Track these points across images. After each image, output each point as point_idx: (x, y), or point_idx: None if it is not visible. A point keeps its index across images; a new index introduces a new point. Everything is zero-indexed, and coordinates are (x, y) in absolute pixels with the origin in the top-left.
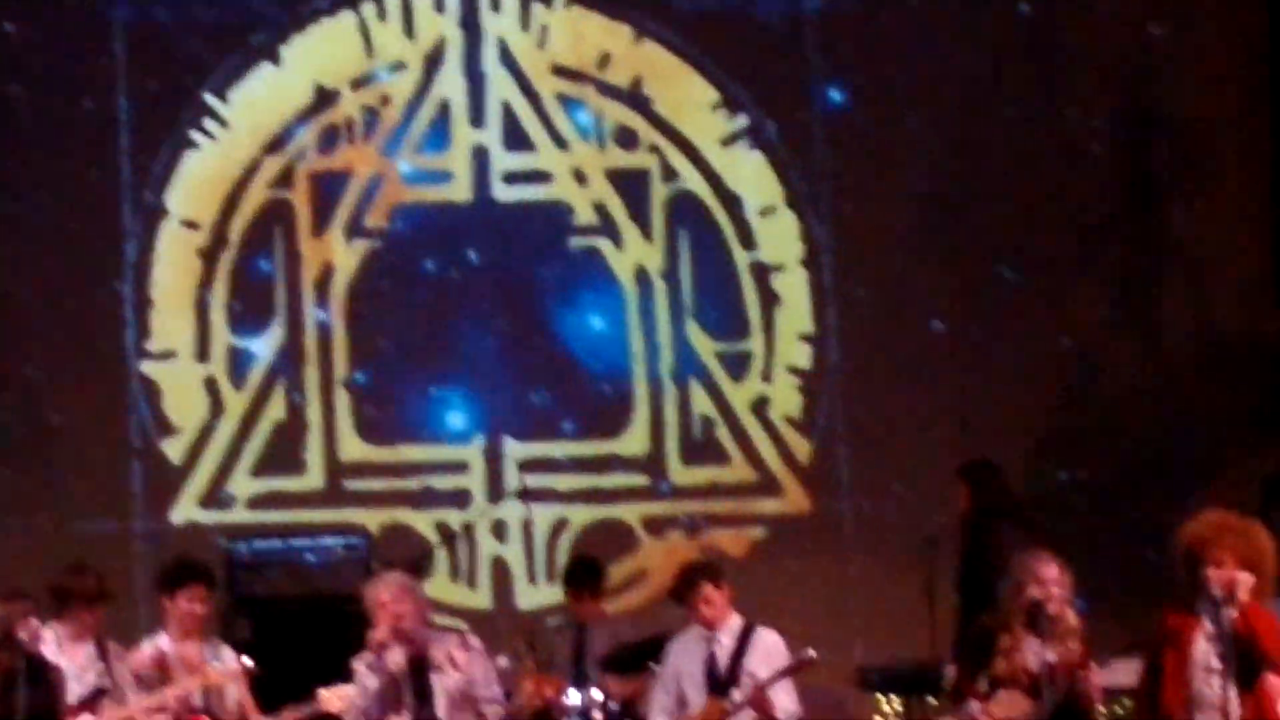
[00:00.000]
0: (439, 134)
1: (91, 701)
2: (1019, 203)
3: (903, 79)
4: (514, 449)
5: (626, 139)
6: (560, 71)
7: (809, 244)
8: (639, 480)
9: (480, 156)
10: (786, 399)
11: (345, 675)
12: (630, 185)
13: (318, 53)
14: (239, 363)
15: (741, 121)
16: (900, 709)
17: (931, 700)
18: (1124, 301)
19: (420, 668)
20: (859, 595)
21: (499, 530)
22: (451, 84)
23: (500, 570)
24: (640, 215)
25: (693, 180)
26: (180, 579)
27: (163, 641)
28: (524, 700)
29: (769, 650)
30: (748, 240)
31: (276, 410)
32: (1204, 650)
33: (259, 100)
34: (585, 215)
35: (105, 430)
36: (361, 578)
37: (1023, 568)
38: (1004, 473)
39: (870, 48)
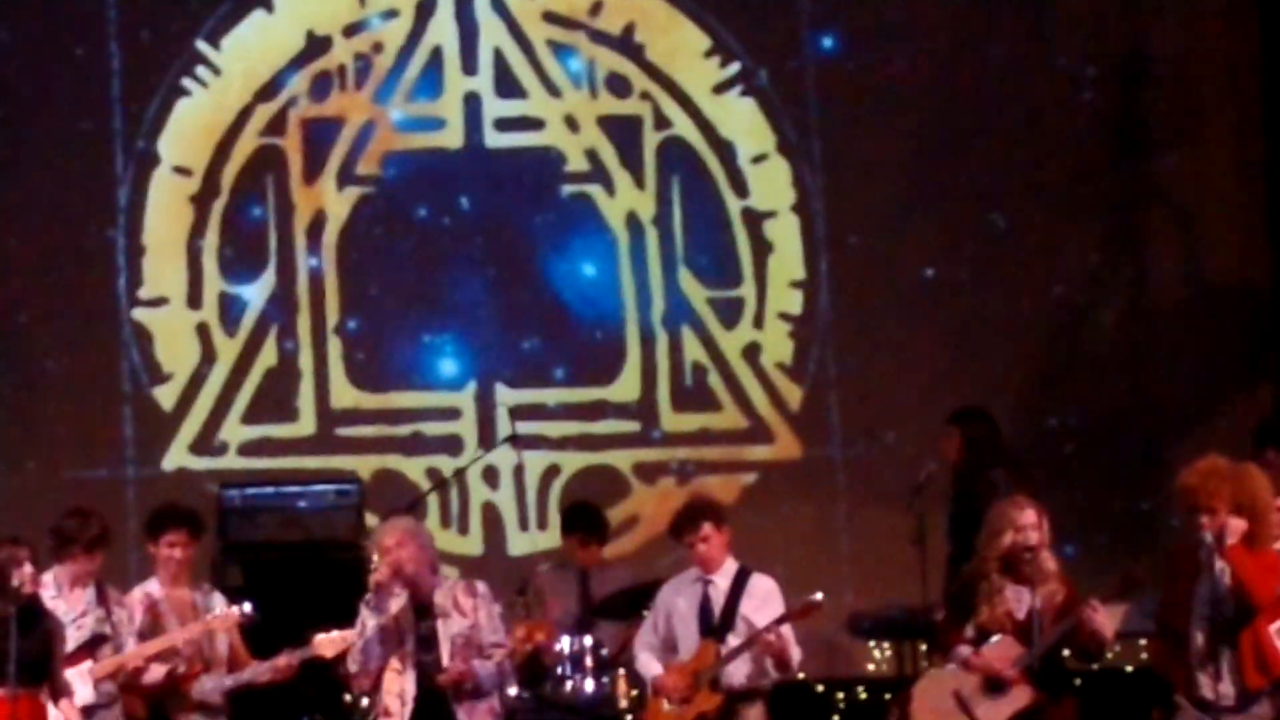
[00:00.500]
0: (431, 81)
1: (91, 647)
2: (1010, 150)
3: (895, 26)
4: (505, 395)
5: (618, 86)
6: (552, 18)
7: (800, 191)
8: (630, 426)
9: (472, 103)
10: (778, 345)
11: (337, 620)
12: (622, 132)
13: None
14: (231, 309)
15: (733, 68)
16: (891, 655)
17: (922, 646)
18: (1115, 248)
19: (424, 613)
20: (850, 541)
21: (490, 476)
22: (443, 31)
23: (491, 516)
24: (632, 162)
25: (684, 127)
26: (161, 524)
27: (153, 587)
28: (515, 646)
29: (765, 595)
30: (739, 187)
31: (268, 357)
32: (1201, 595)
33: (251, 47)
34: (577, 162)
35: (96, 377)
36: (353, 524)
37: (1000, 515)
38: (995, 419)
39: None
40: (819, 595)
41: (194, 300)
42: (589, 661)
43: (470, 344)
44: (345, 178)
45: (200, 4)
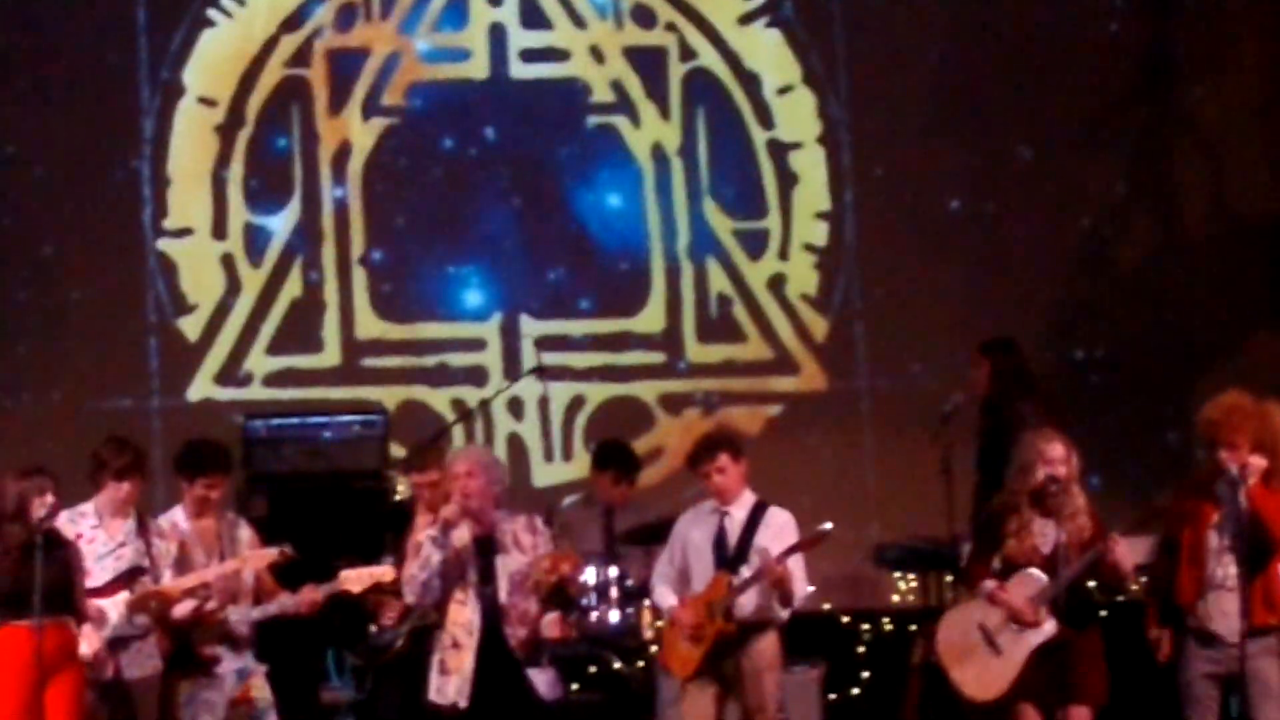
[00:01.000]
0: (456, 12)
1: (128, 579)
2: (1036, 81)
3: None
4: (530, 326)
5: (644, 17)
6: None
7: (826, 122)
8: (655, 358)
9: (498, 34)
10: (803, 277)
11: (362, 550)
12: (648, 63)
13: None
14: (256, 240)
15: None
16: (916, 587)
17: (948, 578)
18: (1141, 179)
19: (486, 547)
20: (875, 473)
21: (515, 408)
22: None
23: (517, 447)
24: (658, 93)
25: (710, 59)
26: (200, 466)
27: (178, 517)
28: (540, 576)
29: (780, 528)
30: (765, 119)
31: (293, 288)
32: (1217, 532)
33: None
34: (602, 93)
35: (122, 308)
36: (377, 455)
37: (1029, 448)
38: (1023, 350)
39: None
40: (828, 525)
41: (219, 231)
42: (614, 592)
43: (495, 275)
44: (370, 109)
45: None
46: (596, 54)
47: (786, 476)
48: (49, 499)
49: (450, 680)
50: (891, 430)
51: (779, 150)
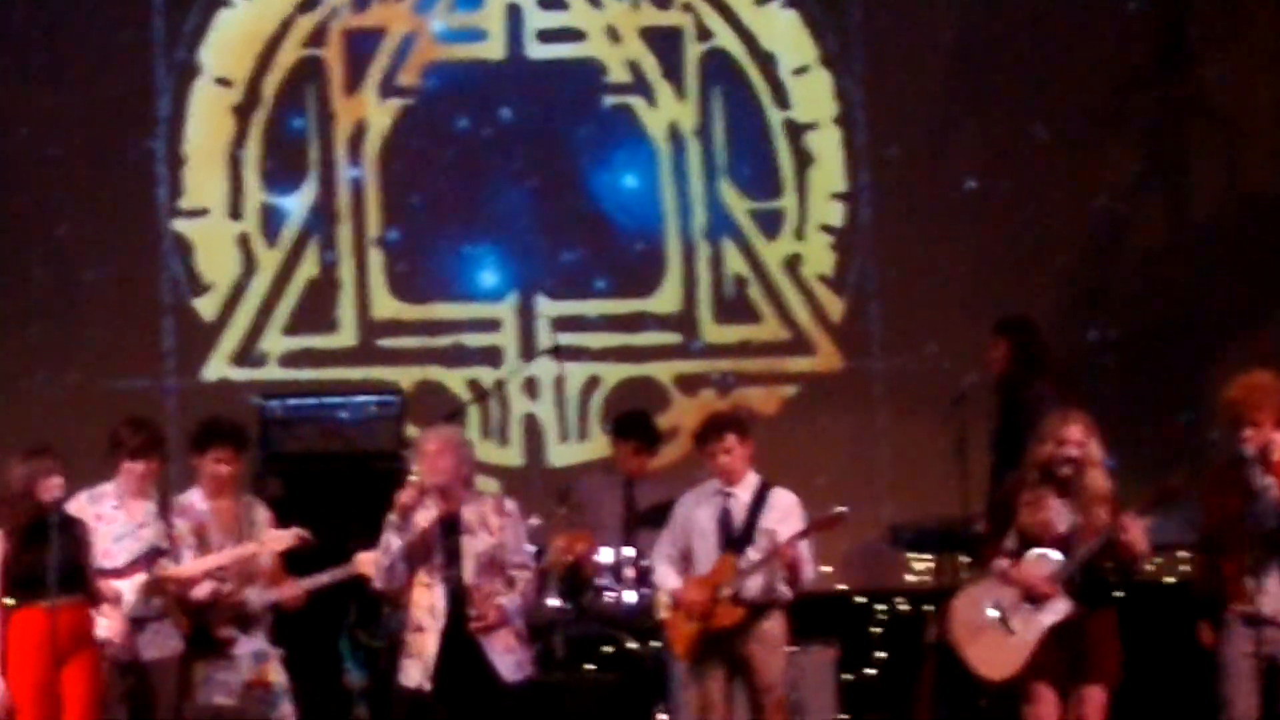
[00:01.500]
0: None
1: (147, 560)
2: (1052, 61)
3: None
4: (546, 307)
5: None
6: None
7: (842, 102)
8: (671, 338)
9: (514, 14)
10: (819, 257)
11: (377, 532)
12: (664, 43)
13: None
14: (272, 220)
15: None
16: (931, 567)
17: (962, 558)
18: (1156, 160)
19: (452, 528)
20: (890, 453)
21: (531, 388)
22: None
23: (532, 428)
24: (674, 73)
25: (726, 38)
26: (209, 439)
27: (196, 498)
28: (555, 556)
29: (786, 510)
30: (781, 99)
31: (309, 268)
32: (1252, 513)
33: None
34: (618, 73)
35: (137, 287)
36: (394, 435)
37: (1050, 427)
38: (1041, 330)
39: None
40: (844, 508)
41: (235, 211)
42: (629, 572)
43: (511, 255)
44: (386, 89)
45: None
46: (613, 34)
47: (802, 457)
48: (55, 480)
49: (415, 663)
50: (906, 410)
51: (795, 130)
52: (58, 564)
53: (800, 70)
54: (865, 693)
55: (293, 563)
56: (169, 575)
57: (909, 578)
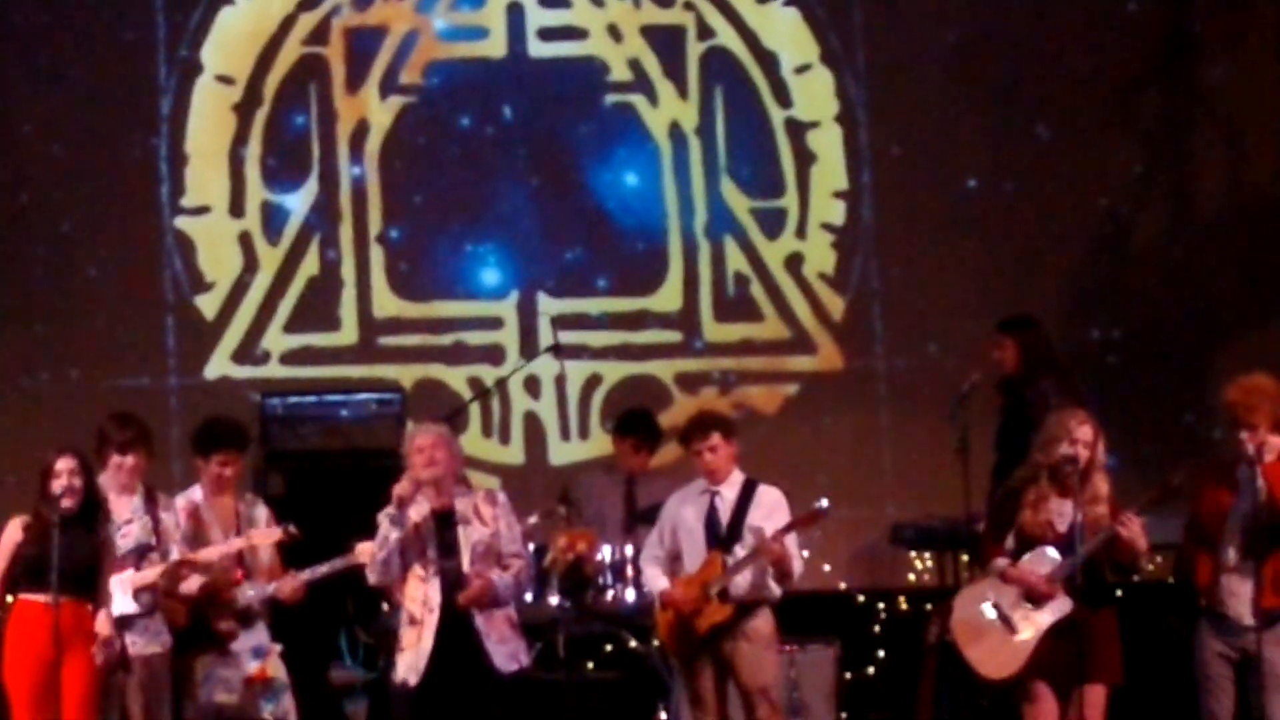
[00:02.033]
0: None
1: (136, 556)
2: (1055, 59)
3: None
4: (547, 305)
5: None
6: None
7: (844, 101)
8: (672, 337)
9: (515, 13)
10: (820, 256)
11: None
12: (666, 42)
13: None
14: (273, 218)
15: None
16: (932, 566)
17: (964, 557)
18: (1160, 159)
19: (447, 520)
20: (892, 452)
21: (532, 386)
22: None
23: (533, 426)
24: (675, 72)
25: (728, 37)
26: (214, 443)
27: (197, 495)
28: (557, 554)
29: (772, 507)
30: (783, 97)
31: (310, 266)
32: (1235, 514)
33: None
34: (620, 72)
35: (139, 285)
36: (395, 433)
37: (1059, 424)
38: (1045, 330)
39: None
40: (824, 502)
41: (236, 209)
42: (630, 570)
43: (513, 253)
44: (388, 87)
45: None
46: (614, 33)
47: (803, 456)
48: (64, 480)
49: (404, 657)
50: (908, 409)
51: (797, 129)
52: (70, 562)
53: (802, 69)
54: (866, 692)
55: (293, 559)
56: (186, 561)
57: (910, 577)
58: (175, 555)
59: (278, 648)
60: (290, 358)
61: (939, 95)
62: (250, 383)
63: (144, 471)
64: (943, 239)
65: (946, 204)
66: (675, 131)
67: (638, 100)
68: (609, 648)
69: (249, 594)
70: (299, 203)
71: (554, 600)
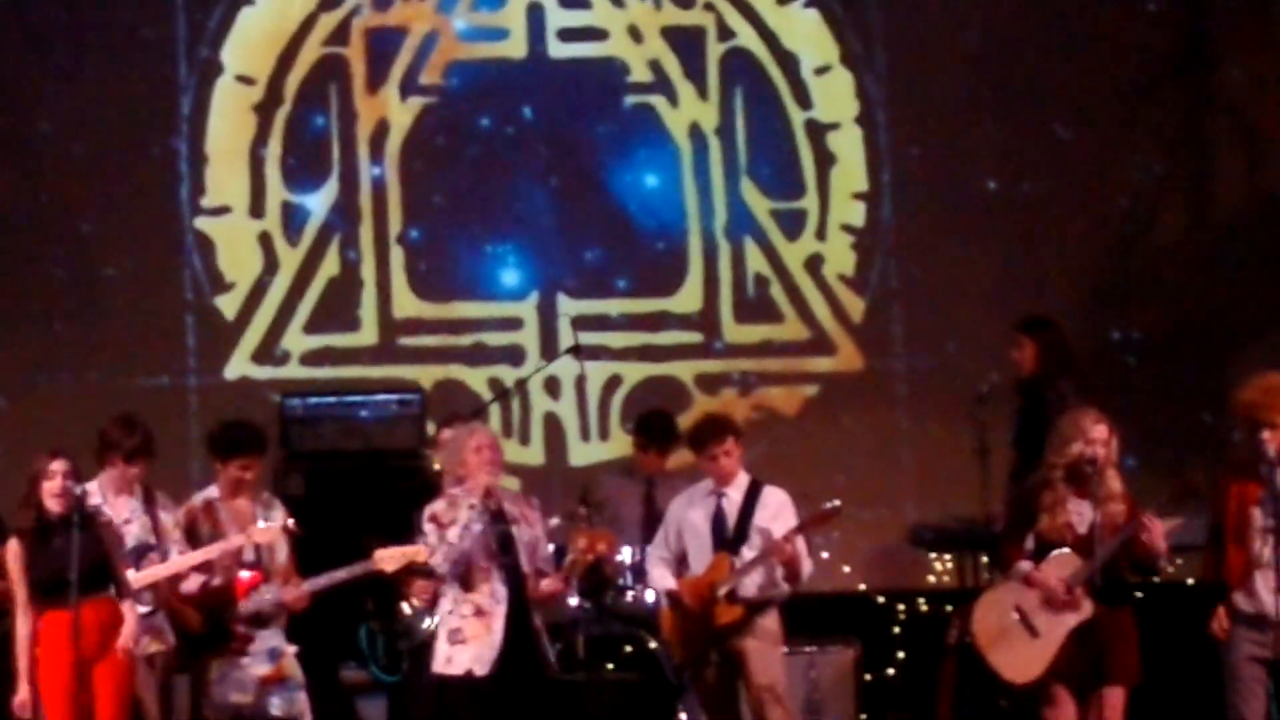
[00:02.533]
0: None
1: (136, 557)
2: (1074, 60)
3: None
4: (567, 305)
5: None
6: None
7: (864, 102)
8: (692, 337)
9: (536, 13)
10: (840, 257)
11: (398, 529)
12: (686, 43)
13: None
14: (293, 218)
15: None
16: (952, 567)
17: (984, 558)
18: (1178, 160)
19: (498, 518)
20: (911, 453)
21: (552, 387)
22: None
23: (553, 427)
24: (695, 73)
25: (748, 38)
26: (235, 448)
27: (213, 494)
28: (577, 555)
29: (779, 507)
30: (803, 98)
31: (331, 266)
32: (1261, 511)
33: None
34: (640, 72)
35: (159, 285)
36: (414, 434)
37: (1072, 424)
38: (1063, 330)
39: None
40: (836, 501)
41: (256, 209)
42: None
43: (533, 254)
44: (408, 87)
45: None
46: (635, 33)
47: (822, 457)
48: (58, 481)
49: (466, 648)
50: (928, 410)
51: (817, 130)
52: (77, 564)
53: (822, 70)
54: (886, 693)
55: (311, 558)
56: (157, 573)
57: (930, 578)
58: (174, 555)
59: (293, 649)
60: (310, 358)
61: (959, 96)
62: (270, 383)
63: (145, 475)
64: (962, 240)
65: (966, 205)
66: (695, 132)
67: (658, 101)
68: (628, 648)
69: (264, 597)
70: (319, 203)
71: (573, 601)
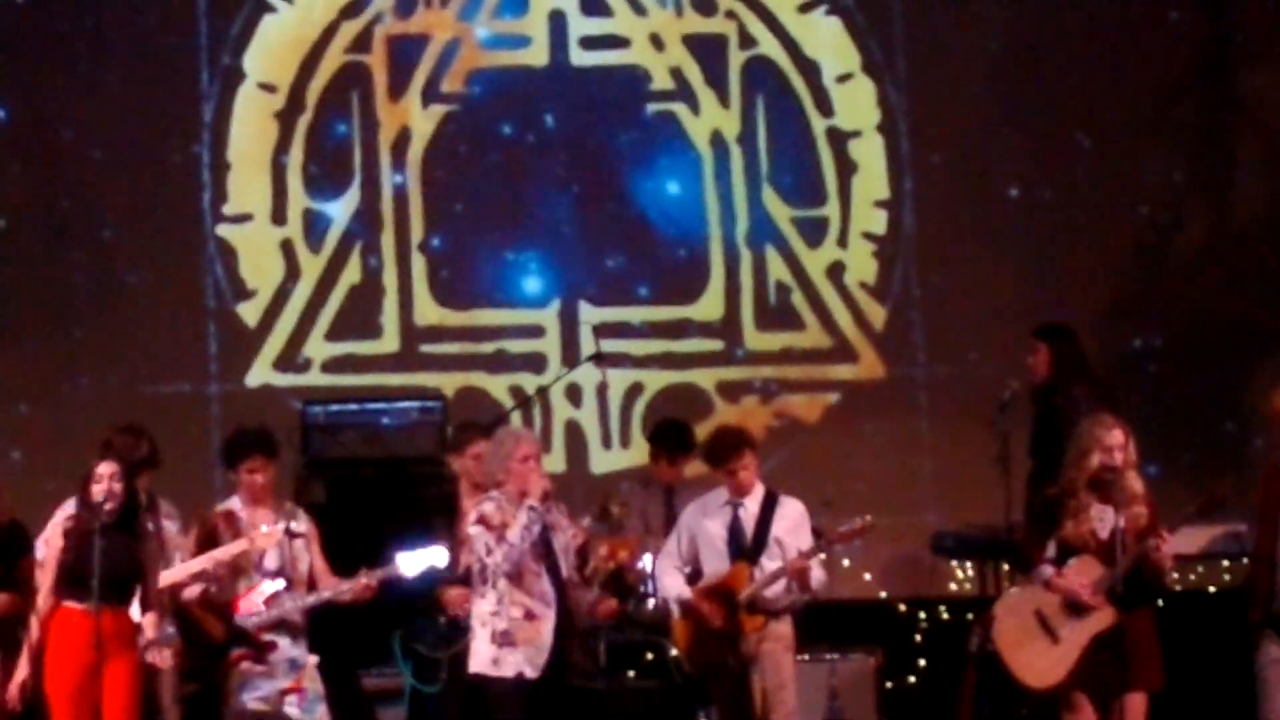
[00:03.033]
0: None
1: None
2: (1095, 68)
3: None
4: (589, 313)
5: (704, 4)
6: None
7: (885, 110)
8: (714, 345)
9: (558, 21)
10: (862, 265)
11: (420, 536)
12: (707, 51)
13: None
14: (315, 226)
15: None
16: (973, 575)
17: (1005, 566)
18: (1200, 167)
19: (543, 524)
20: (933, 461)
21: (573, 394)
22: None
23: (574, 434)
24: (717, 81)
25: (770, 46)
26: (239, 452)
27: (235, 504)
28: (598, 563)
29: (797, 518)
30: (824, 106)
31: (352, 274)
32: None
33: None
34: (662, 80)
35: (181, 293)
36: (436, 441)
37: (1088, 433)
38: (1079, 335)
39: None
40: (868, 517)
41: (278, 216)
42: None
43: (554, 261)
44: (430, 95)
45: None
46: (656, 41)
47: (844, 464)
48: (105, 484)
49: (516, 651)
50: (949, 418)
51: (838, 138)
52: (109, 570)
53: (843, 78)
54: (907, 701)
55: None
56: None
57: (951, 586)
58: (178, 562)
59: (314, 659)
60: (332, 365)
61: (980, 104)
62: (292, 390)
63: (150, 484)
64: (984, 248)
65: (987, 213)
66: (717, 140)
67: (679, 109)
68: (649, 656)
69: (287, 605)
70: (341, 210)
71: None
